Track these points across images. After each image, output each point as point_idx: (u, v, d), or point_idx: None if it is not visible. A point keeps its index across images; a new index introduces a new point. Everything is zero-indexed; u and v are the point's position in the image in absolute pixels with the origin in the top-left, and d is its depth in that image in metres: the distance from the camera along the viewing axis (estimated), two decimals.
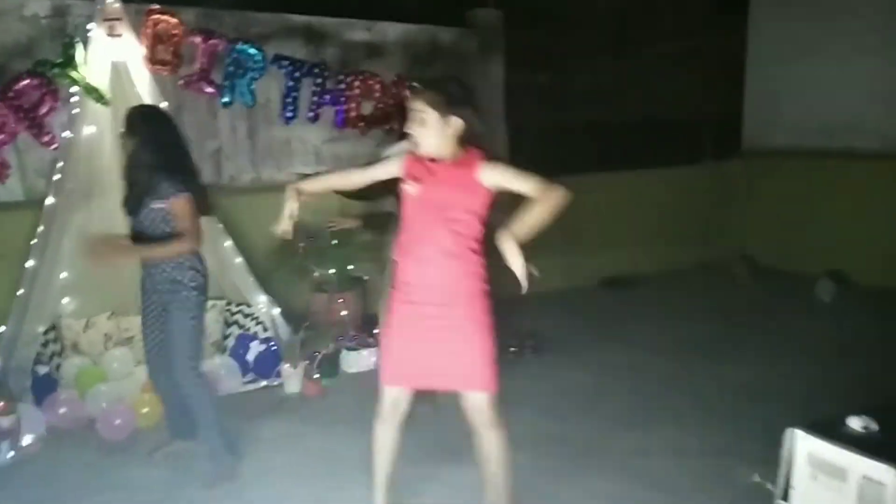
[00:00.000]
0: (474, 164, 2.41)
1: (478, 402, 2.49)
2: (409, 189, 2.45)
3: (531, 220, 2.32)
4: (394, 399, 2.59)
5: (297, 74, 4.44)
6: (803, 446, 1.91)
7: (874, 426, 1.88)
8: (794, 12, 6.81)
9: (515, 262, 2.25)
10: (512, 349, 4.54)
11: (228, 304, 4.81)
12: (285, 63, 4.40)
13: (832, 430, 1.88)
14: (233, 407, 3.80)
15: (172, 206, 2.94)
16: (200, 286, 3.09)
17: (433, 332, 2.47)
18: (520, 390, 3.90)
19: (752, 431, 3.39)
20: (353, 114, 4.70)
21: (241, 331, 4.68)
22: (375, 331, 4.66)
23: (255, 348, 4.44)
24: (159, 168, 2.93)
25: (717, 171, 7.22)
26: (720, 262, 6.76)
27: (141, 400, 3.81)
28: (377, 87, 4.75)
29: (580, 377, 4.29)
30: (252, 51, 4.26)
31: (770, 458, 2.09)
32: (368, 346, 4.61)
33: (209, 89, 4.26)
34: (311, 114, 4.72)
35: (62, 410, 3.74)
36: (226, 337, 4.76)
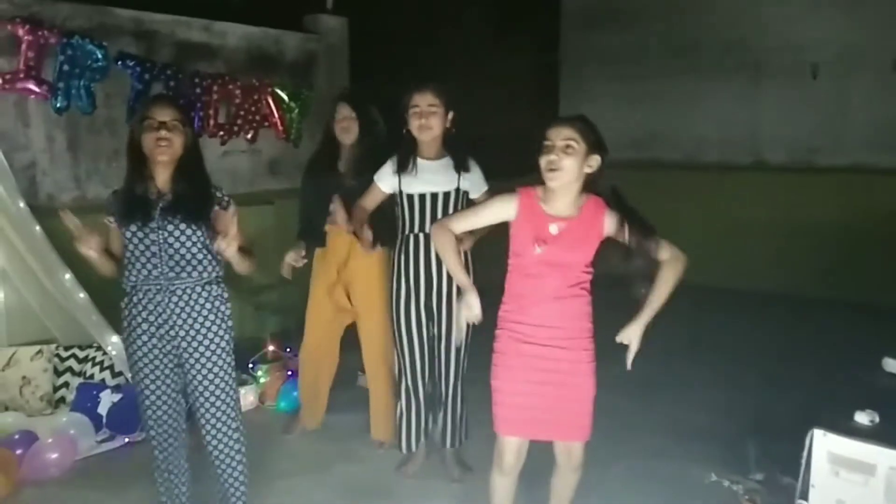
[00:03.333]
0: (599, 215, 2.27)
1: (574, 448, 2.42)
2: (534, 249, 2.28)
3: (659, 300, 2.27)
4: (515, 448, 2.41)
5: (146, 77, 3.81)
6: (822, 445, 2.00)
7: (877, 418, 2.03)
8: (601, 35, 7.41)
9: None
10: None
11: (58, 348, 4.02)
12: (131, 63, 3.76)
13: (846, 427, 2.00)
14: (90, 474, 3.24)
15: (226, 215, 2.46)
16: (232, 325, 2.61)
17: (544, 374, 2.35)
18: None
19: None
20: (211, 121, 4.15)
21: (81, 379, 3.92)
22: (250, 364, 4.20)
23: (108, 399, 3.74)
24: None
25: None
26: None
27: None
28: (237, 92, 4.26)
29: None
30: (91, 47, 3.58)
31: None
32: (244, 383, 4.12)
33: (37, 90, 3.50)
34: None
35: None
36: (57, 388, 3.97)
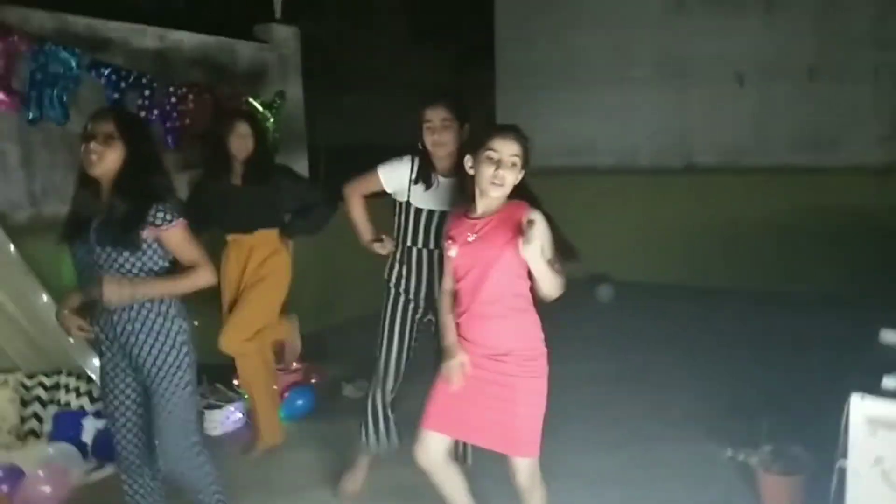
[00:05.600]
0: (518, 215, 2.31)
1: (521, 466, 2.42)
2: (451, 252, 2.41)
3: (543, 268, 2.24)
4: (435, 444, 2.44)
5: (122, 85, 3.63)
6: (859, 408, 2.20)
7: None
8: (536, 48, 7.66)
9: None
10: None
11: (30, 376, 3.76)
12: (106, 71, 3.58)
13: (880, 392, 2.21)
14: None
15: (170, 233, 2.33)
16: (188, 341, 2.42)
17: (482, 386, 2.39)
18: None
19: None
20: (185, 133, 4.00)
21: (55, 408, 3.68)
22: (235, 382, 4.07)
23: (91, 426, 3.53)
24: (152, 187, 2.32)
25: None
26: None
27: None
28: (210, 102, 4.14)
29: None
30: (64, 54, 3.39)
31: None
32: (230, 400, 3.99)
33: (6, 100, 3.28)
34: None
35: None
36: (25, 420, 3.71)
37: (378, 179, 3.04)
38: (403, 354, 3.08)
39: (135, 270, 2.31)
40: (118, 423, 2.48)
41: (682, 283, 6.64)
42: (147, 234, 2.30)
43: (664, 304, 6.24)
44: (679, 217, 6.85)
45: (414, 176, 2.98)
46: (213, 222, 3.60)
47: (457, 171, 2.90)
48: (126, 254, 2.28)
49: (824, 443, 2.92)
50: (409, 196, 2.99)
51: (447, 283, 2.52)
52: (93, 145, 2.26)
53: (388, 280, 3.10)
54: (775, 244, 6.44)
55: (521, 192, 2.42)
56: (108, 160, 2.28)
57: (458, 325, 2.46)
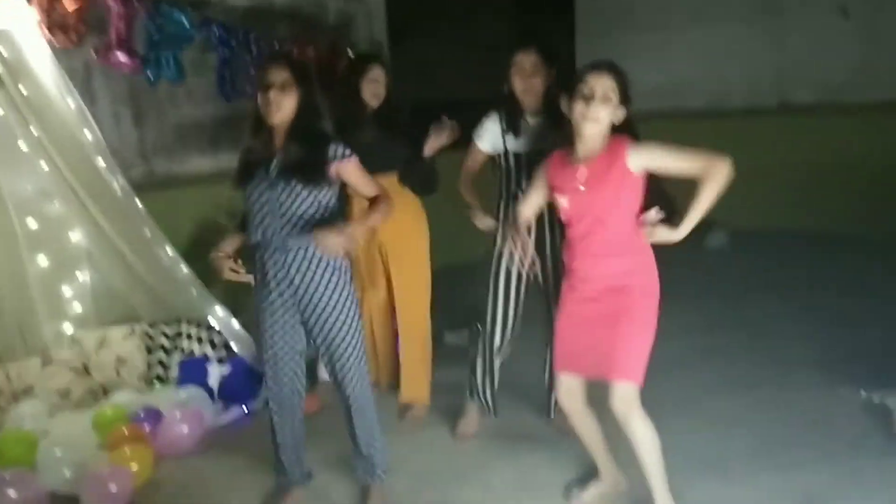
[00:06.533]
0: (621, 153, 2.28)
1: (618, 389, 2.38)
2: (561, 202, 2.41)
3: (703, 204, 2.25)
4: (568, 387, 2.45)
5: (232, 43, 3.71)
6: None
7: None
8: None
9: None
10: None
11: (152, 325, 3.95)
12: (217, 30, 3.65)
13: None
14: (223, 445, 3.25)
15: (349, 167, 2.46)
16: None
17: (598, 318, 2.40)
18: None
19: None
20: None
21: (177, 356, 3.86)
22: None
23: (216, 372, 3.69)
24: (324, 128, 2.49)
25: None
26: None
27: (119, 454, 2.96)
28: (313, 56, 4.18)
29: None
30: (178, 14, 3.46)
31: None
32: None
33: (129, 62, 3.38)
34: (251, 89, 3.96)
35: (12, 495, 2.75)
36: (150, 367, 3.91)
37: (477, 148, 3.09)
38: (510, 310, 3.09)
39: (314, 208, 2.43)
40: (281, 361, 2.58)
41: (789, 228, 6.32)
42: (330, 169, 2.42)
43: (774, 250, 5.99)
44: (774, 160, 6.55)
45: (504, 126, 3.00)
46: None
47: (546, 109, 2.95)
48: (309, 188, 2.40)
49: None
50: (504, 145, 3.01)
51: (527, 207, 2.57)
52: (272, 94, 2.35)
53: (496, 233, 3.10)
54: (881, 187, 6.05)
55: (624, 131, 2.37)
56: (286, 107, 2.37)
57: (571, 270, 2.47)
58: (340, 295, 2.49)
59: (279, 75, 2.37)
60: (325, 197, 2.47)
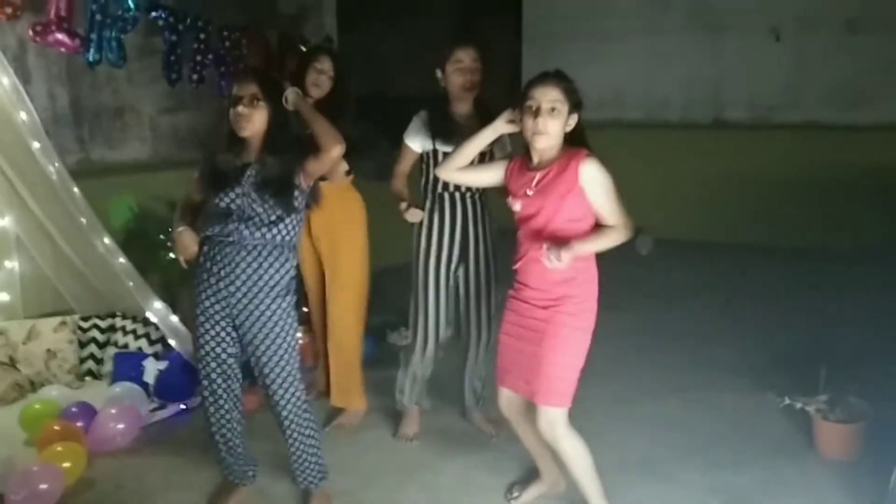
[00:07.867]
0: (575, 164, 2.32)
1: (543, 414, 2.42)
2: (515, 207, 2.42)
3: (590, 246, 2.34)
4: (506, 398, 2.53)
5: (179, 28, 3.59)
6: None
7: None
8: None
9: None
10: None
11: (84, 318, 3.82)
12: (164, 14, 3.53)
13: None
14: (156, 442, 3.18)
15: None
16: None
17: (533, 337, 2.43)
18: None
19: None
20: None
21: (112, 350, 3.75)
22: None
23: (152, 367, 3.60)
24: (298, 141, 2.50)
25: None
26: None
27: (50, 452, 2.85)
28: (263, 45, 4.09)
29: None
30: None
31: None
32: None
33: (69, 42, 3.24)
34: (195, 76, 3.85)
35: None
36: (83, 360, 3.78)
37: (409, 148, 3.04)
38: (441, 308, 3.08)
39: (282, 212, 2.43)
40: (213, 362, 2.53)
41: (713, 239, 6.57)
42: (302, 181, 2.45)
43: (700, 259, 6.21)
44: (708, 173, 6.79)
45: (434, 125, 2.96)
46: None
47: (477, 108, 2.96)
48: (282, 201, 2.43)
49: (875, 393, 3.05)
50: (433, 144, 2.97)
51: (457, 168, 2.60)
52: (240, 108, 2.37)
53: (419, 232, 3.07)
54: (815, 202, 6.32)
55: (579, 138, 2.40)
56: (256, 121, 2.40)
57: (516, 270, 2.49)
58: (279, 306, 2.46)
59: (248, 89, 2.39)
60: (298, 202, 2.48)
